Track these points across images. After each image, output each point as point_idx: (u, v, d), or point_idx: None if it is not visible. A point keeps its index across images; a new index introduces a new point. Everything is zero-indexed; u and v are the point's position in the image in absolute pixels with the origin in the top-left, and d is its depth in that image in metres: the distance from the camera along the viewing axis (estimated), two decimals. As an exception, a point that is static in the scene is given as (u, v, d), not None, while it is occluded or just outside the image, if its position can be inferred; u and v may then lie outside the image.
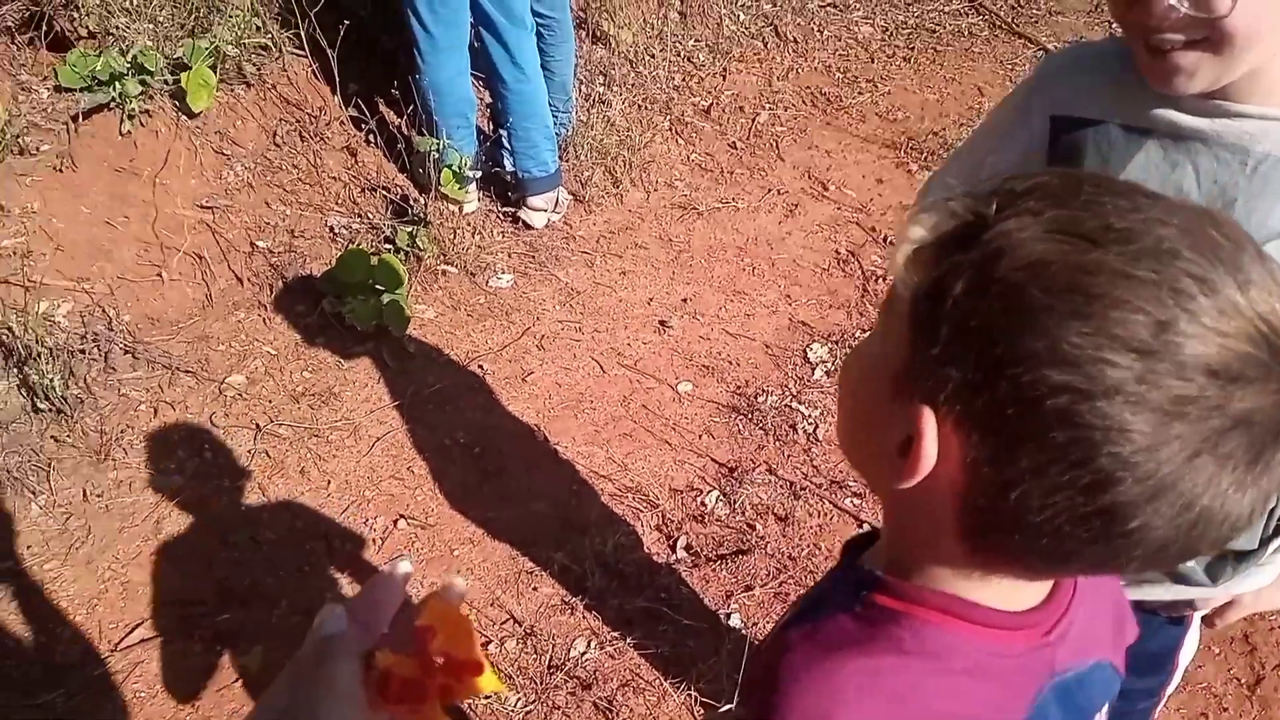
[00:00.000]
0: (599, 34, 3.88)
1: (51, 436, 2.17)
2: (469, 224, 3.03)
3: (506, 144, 3.12)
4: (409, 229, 2.87)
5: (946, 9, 4.57)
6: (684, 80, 3.98)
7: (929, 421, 0.53)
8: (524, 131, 3.03)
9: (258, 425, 2.47)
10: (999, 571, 0.58)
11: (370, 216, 2.95)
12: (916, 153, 3.81)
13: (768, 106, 3.98)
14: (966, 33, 4.47)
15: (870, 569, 0.64)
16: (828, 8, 4.47)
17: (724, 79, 4.04)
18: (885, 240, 3.41)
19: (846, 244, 3.38)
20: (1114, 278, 0.48)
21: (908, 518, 0.62)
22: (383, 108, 3.16)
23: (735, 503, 2.39)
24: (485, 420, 2.57)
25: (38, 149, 2.61)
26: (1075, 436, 0.48)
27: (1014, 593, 0.61)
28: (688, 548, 2.26)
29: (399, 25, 2.92)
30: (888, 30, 4.44)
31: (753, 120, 3.89)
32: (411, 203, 2.95)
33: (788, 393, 2.76)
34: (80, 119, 2.70)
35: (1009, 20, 4.55)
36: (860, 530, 2.30)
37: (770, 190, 3.58)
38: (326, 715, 0.52)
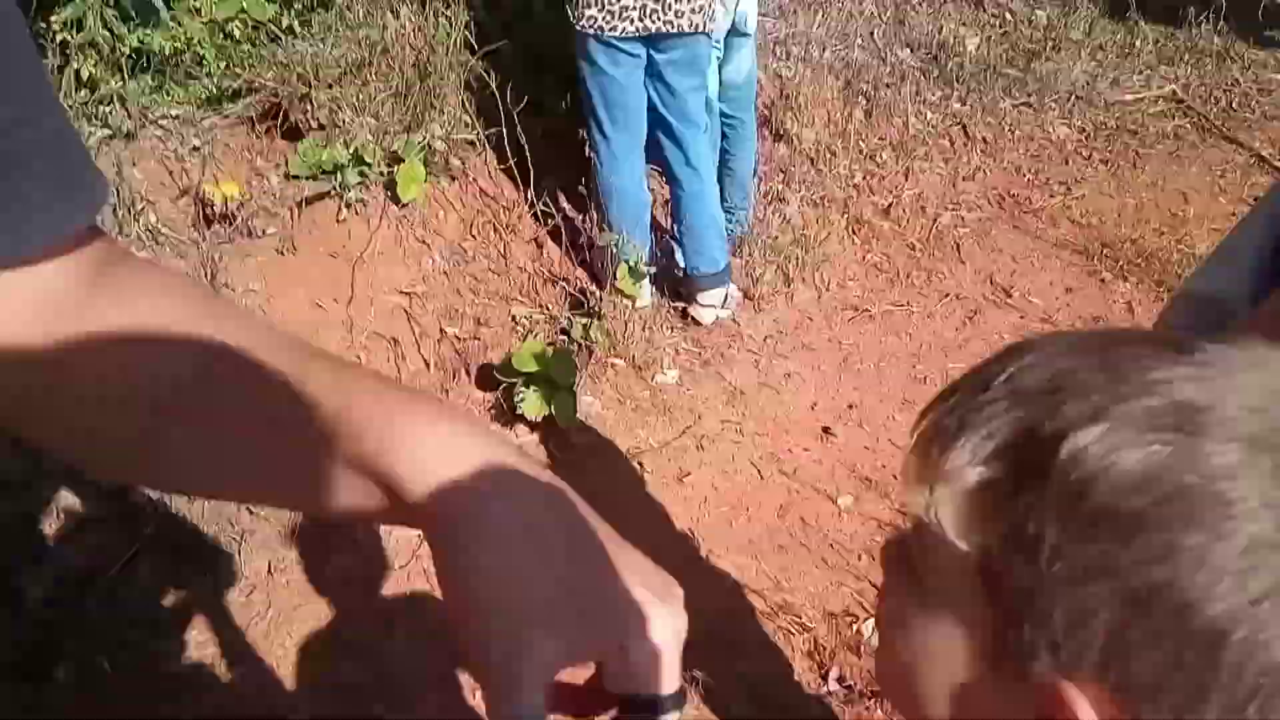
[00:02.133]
0: (781, 132, 3.93)
1: (247, 509, 2.38)
2: (640, 318, 3.12)
3: (678, 240, 3.21)
4: (584, 321, 2.99)
5: (1151, 110, 4.38)
6: (865, 179, 3.97)
7: (1075, 697, 0.43)
8: (696, 229, 3.11)
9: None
10: None
11: (550, 308, 3.09)
12: (1111, 260, 3.65)
13: (950, 208, 3.91)
14: (1172, 135, 4.26)
15: None
16: (1021, 106, 4.37)
17: (906, 178, 4.01)
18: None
19: (1026, 358, 3.26)
20: (1235, 476, 0.40)
21: None
22: (569, 202, 3.32)
23: (888, 632, 2.33)
24: (641, 519, 2.62)
25: (264, 231, 2.89)
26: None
27: None
28: (840, 679, 2.22)
29: (589, 125, 3.07)
30: (1085, 131, 4.29)
31: (934, 221, 3.83)
32: (588, 295, 3.07)
33: (951, 517, 2.68)
34: (304, 205, 2.98)
35: (1220, 123, 4.31)
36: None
37: (948, 295, 3.51)
38: None
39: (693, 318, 3.22)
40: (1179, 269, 3.54)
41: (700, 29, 2.80)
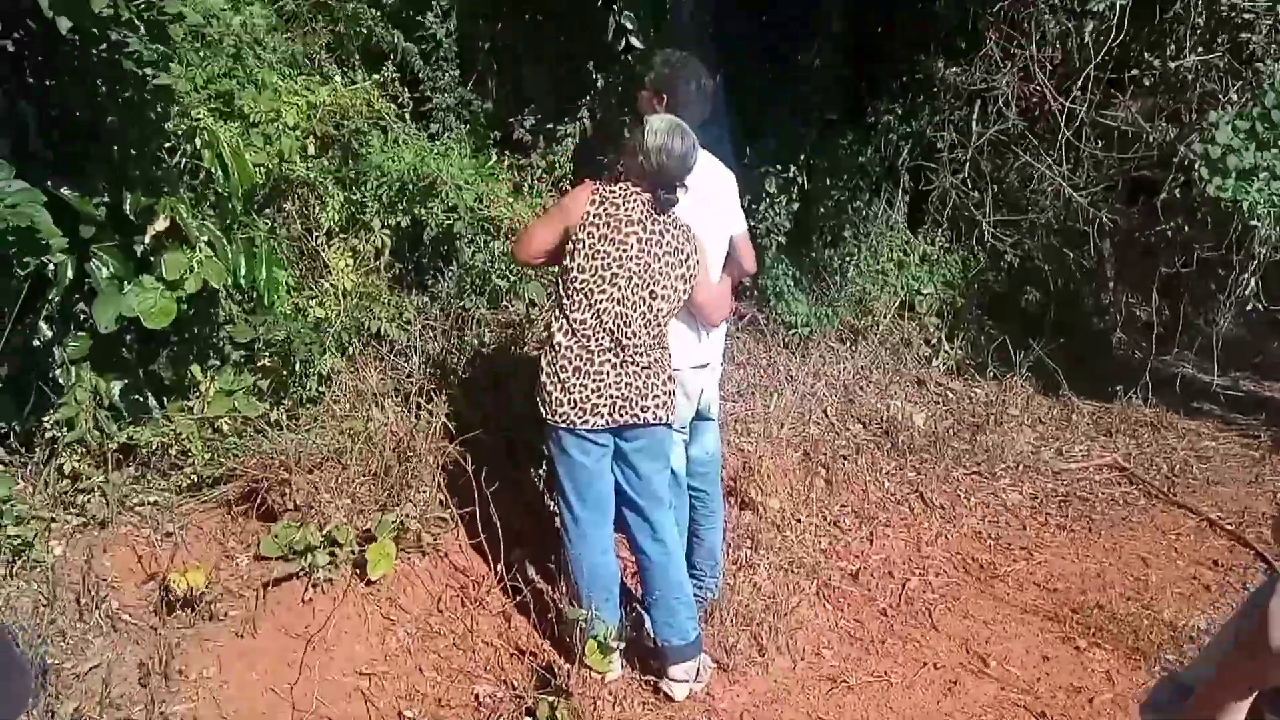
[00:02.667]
0: (747, 500, 4.07)
1: None
2: (610, 694, 3.01)
3: (648, 611, 3.19)
4: (550, 699, 2.87)
5: (1097, 478, 4.61)
6: (831, 544, 4.05)
7: None
8: (665, 601, 3.10)
9: None
10: None
11: (515, 684, 2.99)
12: (1083, 626, 3.64)
13: (918, 572, 3.95)
14: (1121, 501, 4.45)
15: None
16: (972, 475, 4.59)
17: (871, 543, 4.10)
18: (1056, 727, 3.14)
19: (1013, 730, 3.13)
20: None
21: None
22: (539, 575, 3.33)
23: None
24: None
25: (225, 614, 2.86)
26: None
27: None
28: None
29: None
30: (1036, 497, 4.48)
31: (903, 586, 3.86)
32: (556, 671, 2.98)
33: None
34: (270, 585, 2.97)
35: (1165, 490, 4.51)
36: None
37: (925, 664, 3.43)
38: None
39: (664, 692, 3.11)
40: (1151, 635, 3.54)
41: (664, 421, 2.99)
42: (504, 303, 4.17)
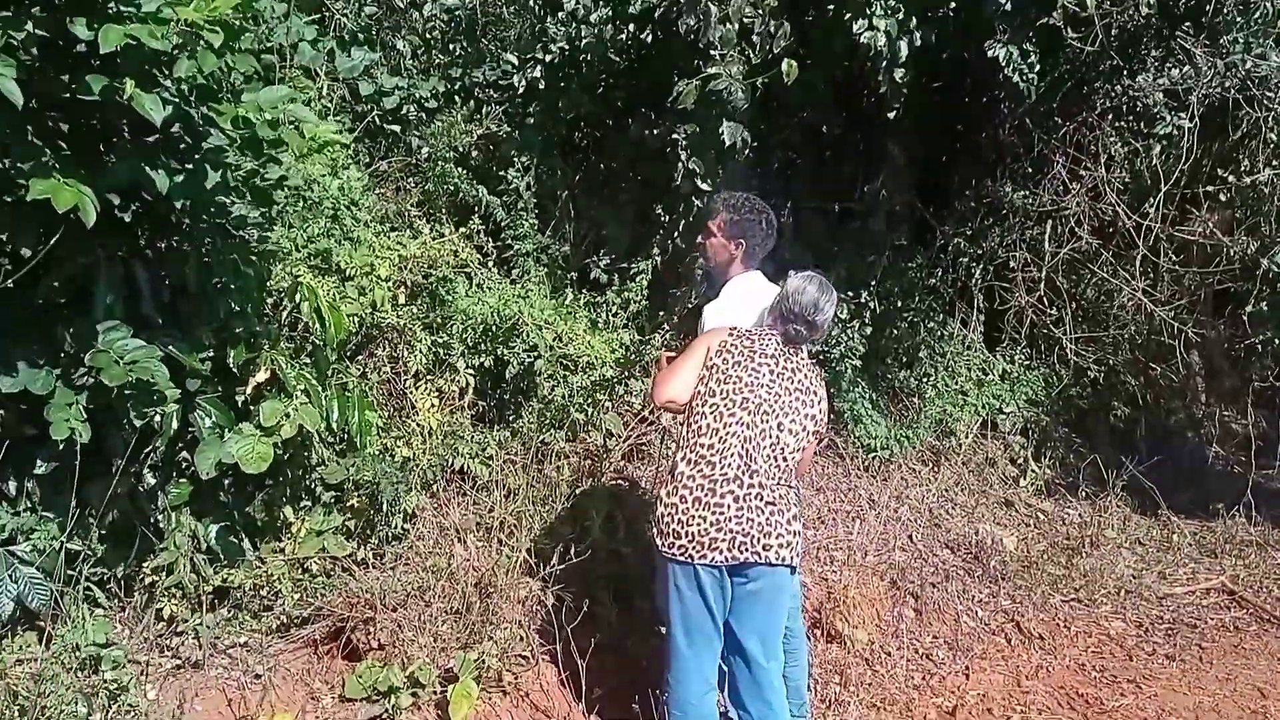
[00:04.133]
0: (833, 633, 3.96)
1: None
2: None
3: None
4: None
5: (1204, 602, 4.37)
6: (924, 679, 3.89)
7: None
8: None
9: None
10: None
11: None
12: (1203, 768, 3.39)
13: (1019, 709, 3.76)
14: (1232, 627, 4.20)
15: None
16: (1071, 602, 4.40)
17: (967, 678, 3.92)
18: None
19: None
20: None
21: None
22: (620, 713, 3.28)
23: None
24: None
25: (314, 759, 2.87)
26: None
27: None
28: None
29: (646, 634, 3.13)
30: (1142, 626, 4.26)
31: (1004, 725, 3.67)
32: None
33: None
34: (355, 727, 2.98)
35: (1277, 613, 4.25)
36: None
37: (1034, 810, 3.23)
38: None
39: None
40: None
41: (785, 562, 2.81)
42: (581, 435, 4.25)
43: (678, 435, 3.09)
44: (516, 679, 3.31)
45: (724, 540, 2.77)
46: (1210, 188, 5.43)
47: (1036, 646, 4.13)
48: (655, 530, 2.89)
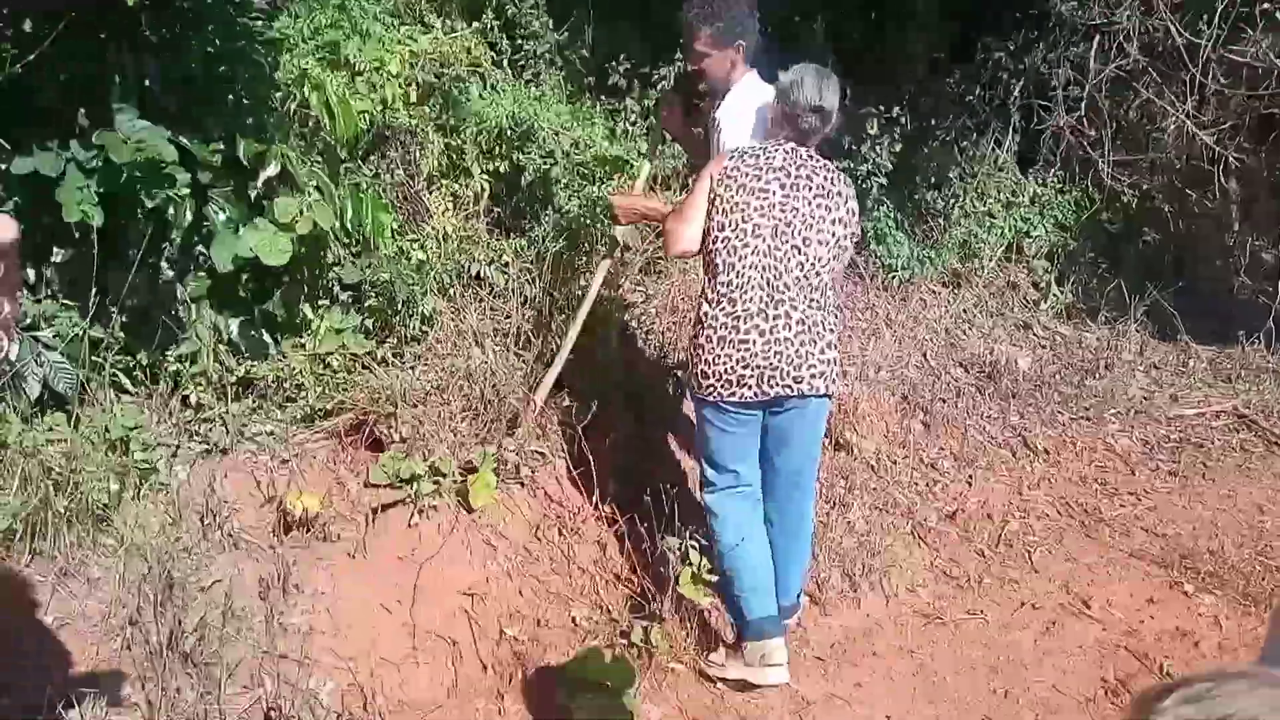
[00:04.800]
0: (842, 442, 4.05)
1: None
2: (702, 619, 3.07)
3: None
4: (645, 624, 2.96)
5: (1214, 424, 4.40)
6: (927, 486, 4.00)
7: None
8: (783, 572, 2.95)
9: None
10: None
11: (610, 610, 3.08)
12: (1192, 572, 3.53)
13: (1018, 516, 3.88)
14: (1239, 449, 4.25)
15: None
16: (1080, 420, 4.45)
17: (970, 486, 4.03)
18: (1162, 670, 3.06)
19: (1115, 671, 3.07)
20: None
21: None
22: (633, 509, 3.41)
23: None
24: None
25: (338, 536, 3.03)
26: None
27: None
28: None
29: (657, 442, 3.20)
30: (1148, 443, 4.32)
31: (1002, 529, 3.79)
32: (650, 599, 3.06)
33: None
34: (378, 511, 3.13)
35: (1287, 437, 4.29)
36: None
37: (1024, 604, 3.39)
38: None
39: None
40: (1264, 582, 3.41)
41: (819, 392, 2.75)
42: (598, 247, 4.23)
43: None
44: (533, 473, 3.44)
45: (752, 376, 2.72)
46: (1267, 4, 5.10)
47: (1041, 460, 4.21)
48: (687, 374, 2.85)
